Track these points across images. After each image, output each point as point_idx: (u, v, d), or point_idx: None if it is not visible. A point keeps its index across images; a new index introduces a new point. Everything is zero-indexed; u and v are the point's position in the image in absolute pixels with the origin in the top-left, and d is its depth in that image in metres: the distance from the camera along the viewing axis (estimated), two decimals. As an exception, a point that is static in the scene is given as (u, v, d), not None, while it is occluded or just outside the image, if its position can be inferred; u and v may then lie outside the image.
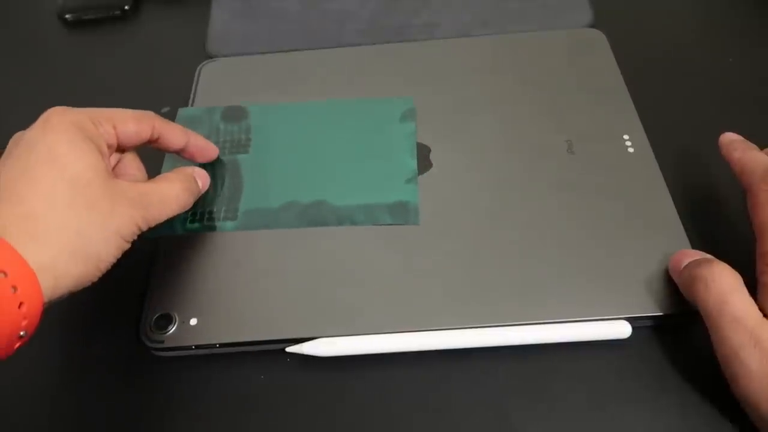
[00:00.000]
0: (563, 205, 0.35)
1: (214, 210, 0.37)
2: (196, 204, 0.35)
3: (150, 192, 0.30)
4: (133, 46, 0.50)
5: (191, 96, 0.43)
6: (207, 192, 0.36)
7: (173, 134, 0.34)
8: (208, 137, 0.38)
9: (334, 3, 0.50)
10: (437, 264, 0.34)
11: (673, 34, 0.46)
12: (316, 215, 0.36)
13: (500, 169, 0.37)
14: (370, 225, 0.35)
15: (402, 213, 0.36)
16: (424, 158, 0.38)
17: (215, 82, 0.44)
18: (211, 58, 0.46)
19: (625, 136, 0.38)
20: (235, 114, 0.41)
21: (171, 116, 0.41)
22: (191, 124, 0.40)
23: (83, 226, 0.27)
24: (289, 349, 0.32)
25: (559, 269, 0.33)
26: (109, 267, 0.28)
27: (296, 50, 0.46)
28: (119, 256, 0.28)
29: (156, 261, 0.35)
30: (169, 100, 0.44)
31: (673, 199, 0.35)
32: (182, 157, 0.36)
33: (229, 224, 0.36)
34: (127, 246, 0.29)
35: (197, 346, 0.32)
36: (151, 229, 0.30)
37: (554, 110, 0.40)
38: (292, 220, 0.36)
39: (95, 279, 0.27)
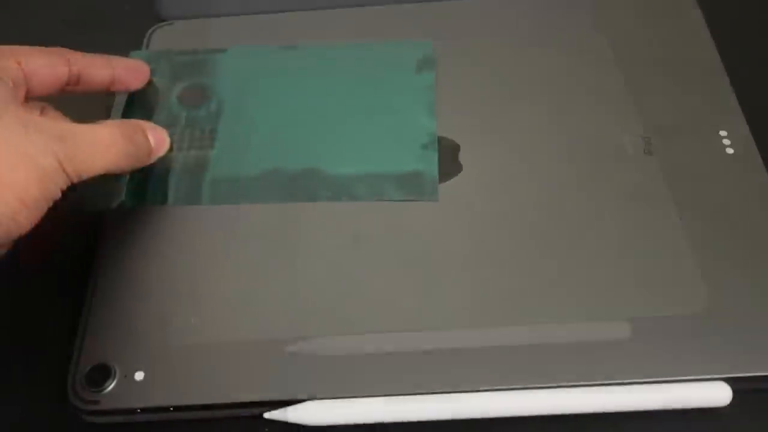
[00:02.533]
0: (639, 224, 0.35)
1: (170, 178, 0.38)
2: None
3: (78, 132, 0.32)
4: (62, 6, 0.50)
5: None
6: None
7: (96, 64, 0.37)
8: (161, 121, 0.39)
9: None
10: (474, 302, 0.34)
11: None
12: (305, 187, 0.37)
13: (552, 176, 0.37)
14: (373, 200, 0.36)
15: (416, 186, 0.36)
16: (451, 159, 0.38)
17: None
18: (164, 20, 0.46)
19: (722, 132, 0.38)
20: (195, 90, 0.42)
21: (111, 100, 0.42)
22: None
23: None
24: (267, 415, 0.32)
25: (633, 312, 0.33)
26: (37, 210, 0.30)
27: (277, 12, 0.46)
28: (45, 197, 0.30)
29: (92, 292, 0.35)
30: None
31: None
32: (114, 91, 0.39)
33: (189, 196, 0.37)
34: (55, 189, 0.30)
35: (144, 409, 0.32)
36: (94, 197, 0.33)
37: (625, 95, 0.40)
38: (274, 193, 0.37)
39: (21, 220, 0.29)
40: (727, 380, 0.31)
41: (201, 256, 0.36)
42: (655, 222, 0.35)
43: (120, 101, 0.41)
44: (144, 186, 0.38)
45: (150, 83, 0.41)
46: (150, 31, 0.45)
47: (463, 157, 0.38)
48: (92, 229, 0.37)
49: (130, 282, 0.35)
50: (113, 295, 0.35)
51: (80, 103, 0.37)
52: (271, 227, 0.36)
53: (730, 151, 0.37)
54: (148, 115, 0.40)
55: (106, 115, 0.41)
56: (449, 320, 0.33)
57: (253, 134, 0.39)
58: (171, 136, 0.38)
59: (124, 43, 0.45)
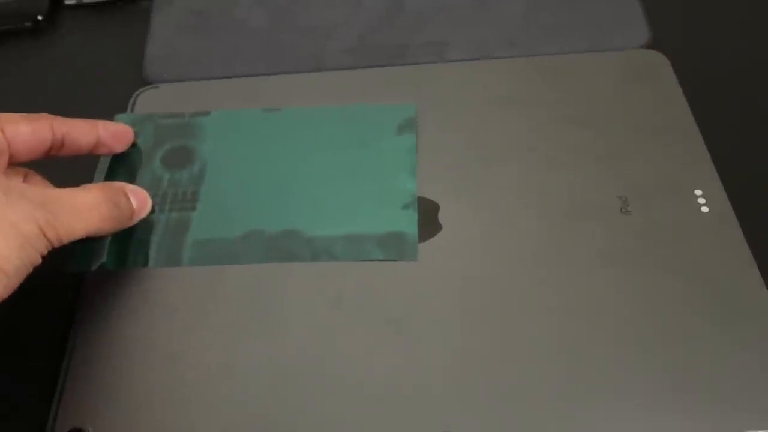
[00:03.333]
0: (619, 287, 0.35)
1: (151, 240, 0.38)
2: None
3: (59, 197, 0.32)
4: (48, 67, 0.51)
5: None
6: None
7: (79, 128, 0.37)
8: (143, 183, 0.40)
9: (312, 15, 0.51)
10: (448, 375, 0.33)
11: (754, 56, 0.47)
12: (285, 248, 0.37)
13: (530, 236, 0.38)
14: (352, 260, 0.36)
15: (396, 246, 0.37)
16: (430, 219, 0.38)
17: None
18: (150, 83, 0.47)
19: (698, 191, 0.38)
20: (179, 152, 0.42)
21: (92, 157, 0.42)
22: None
23: None
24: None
25: (623, 383, 0.33)
26: (17, 278, 0.30)
27: (262, 75, 0.47)
28: (25, 264, 0.30)
29: (70, 354, 0.35)
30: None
31: (764, 276, 0.35)
32: (98, 154, 0.39)
33: (171, 258, 0.37)
34: (35, 256, 0.31)
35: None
36: (75, 258, 0.34)
37: (603, 156, 0.40)
38: (255, 254, 0.37)
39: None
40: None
41: (180, 319, 0.36)
42: (634, 283, 0.35)
43: (104, 162, 0.41)
44: (126, 248, 0.38)
45: (134, 145, 0.41)
46: (135, 94, 0.46)
47: (442, 216, 0.38)
48: (72, 291, 0.37)
49: (108, 344, 0.35)
50: (91, 358, 0.35)
51: (65, 162, 0.37)
52: (251, 289, 0.36)
53: (705, 209, 0.38)
54: (131, 176, 0.40)
55: (92, 173, 0.41)
56: (428, 381, 0.33)
57: (235, 196, 0.40)
58: (153, 198, 0.39)
59: (109, 106, 0.45)
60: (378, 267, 0.37)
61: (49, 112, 0.44)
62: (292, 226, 0.38)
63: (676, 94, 0.43)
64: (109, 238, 0.37)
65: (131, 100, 0.46)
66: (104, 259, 0.37)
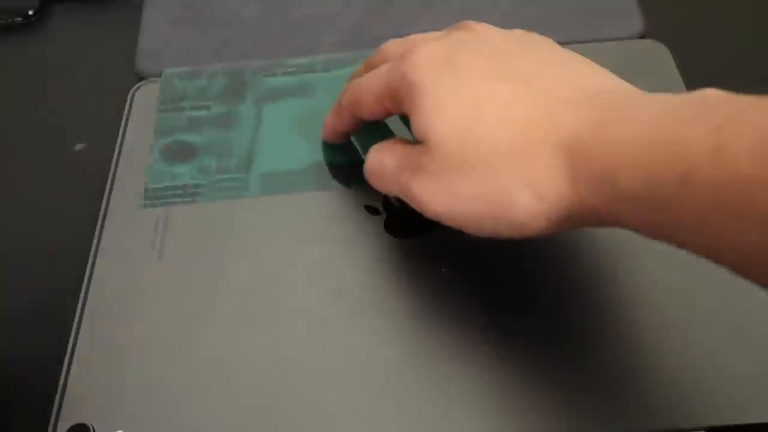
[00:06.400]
0: (623, 280, 0.36)
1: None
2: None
3: None
4: (40, 62, 0.50)
5: (121, 129, 0.43)
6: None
7: None
8: None
9: (304, 7, 0.51)
10: (449, 369, 0.34)
11: (748, 48, 0.47)
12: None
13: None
14: None
15: None
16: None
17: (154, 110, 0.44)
18: (143, 77, 0.46)
19: None
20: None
21: (87, 153, 0.42)
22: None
23: None
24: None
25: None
26: None
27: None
28: None
29: (72, 350, 0.35)
30: (87, 134, 0.44)
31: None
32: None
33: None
34: None
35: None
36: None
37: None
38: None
39: None
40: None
41: (183, 314, 0.36)
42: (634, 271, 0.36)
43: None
44: None
45: None
46: (134, 88, 0.45)
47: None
48: (77, 285, 0.37)
49: (111, 340, 0.35)
50: (93, 354, 0.35)
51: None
52: (252, 283, 0.36)
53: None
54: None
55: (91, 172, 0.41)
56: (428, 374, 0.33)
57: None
58: None
59: (103, 100, 0.45)
60: (378, 261, 0.37)
61: (41, 107, 0.44)
62: None
63: (676, 83, 0.43)
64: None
65: (130, 94, 0.45)
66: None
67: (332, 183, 0.40)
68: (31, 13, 0.52)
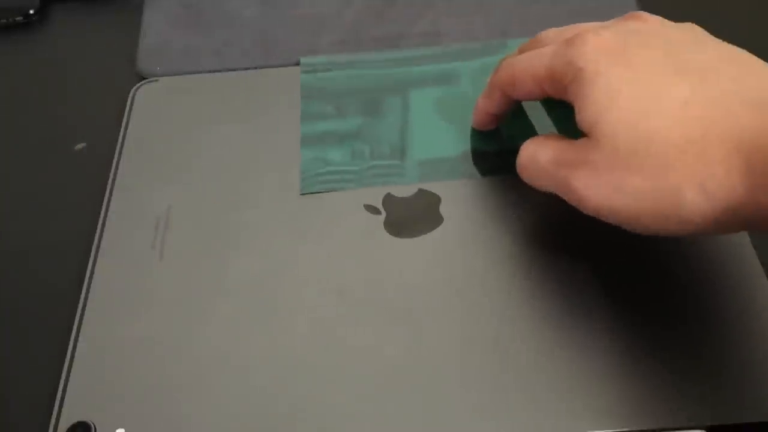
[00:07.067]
0: (623, 282, 0.36)
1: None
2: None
3: None
4: (40, 62, 0.50)
5: (121, 128, 0.43)
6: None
7: None
8: None
9: (304, 7, 0.51)
10: (452, 365, 0.34)
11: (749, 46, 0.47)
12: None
13: (534, 226, 0.38)
14: None
15: None
16: (432, 211, 0.39)
17: (155, 110, 0.44)
18: (144, 77, 0.46)
19: None
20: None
21: (88, 153, 0.41)
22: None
23: None
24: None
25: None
26: None
27: (254, 69, 0.47)
28: None
29: (73, 347, 0.35)
30: (87, 134, 0.44)
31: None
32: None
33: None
34: None
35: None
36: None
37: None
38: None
39: None
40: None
41: (184, 312, 0.36)
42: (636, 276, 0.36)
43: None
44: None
45: None
46: (135, 88, 0.46)
47: (443, 209, 0.39)
48: (77, 285, 0.37)
49: (112, 338, 0.35)
50: (95, 351, 0.35)
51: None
52: (253, 281, 0.36)
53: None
54: None
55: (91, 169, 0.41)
56: (431, 371, 0.33)
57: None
58: None
59: (104, 100, 0.45)
60: (379, 258, 0.37)
61: (41, 107, 0.44)
62: None
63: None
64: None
65: (131, 94, 0.45)
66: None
67: (486, 170, 0.40)
68: (31, 12, 0.52)
